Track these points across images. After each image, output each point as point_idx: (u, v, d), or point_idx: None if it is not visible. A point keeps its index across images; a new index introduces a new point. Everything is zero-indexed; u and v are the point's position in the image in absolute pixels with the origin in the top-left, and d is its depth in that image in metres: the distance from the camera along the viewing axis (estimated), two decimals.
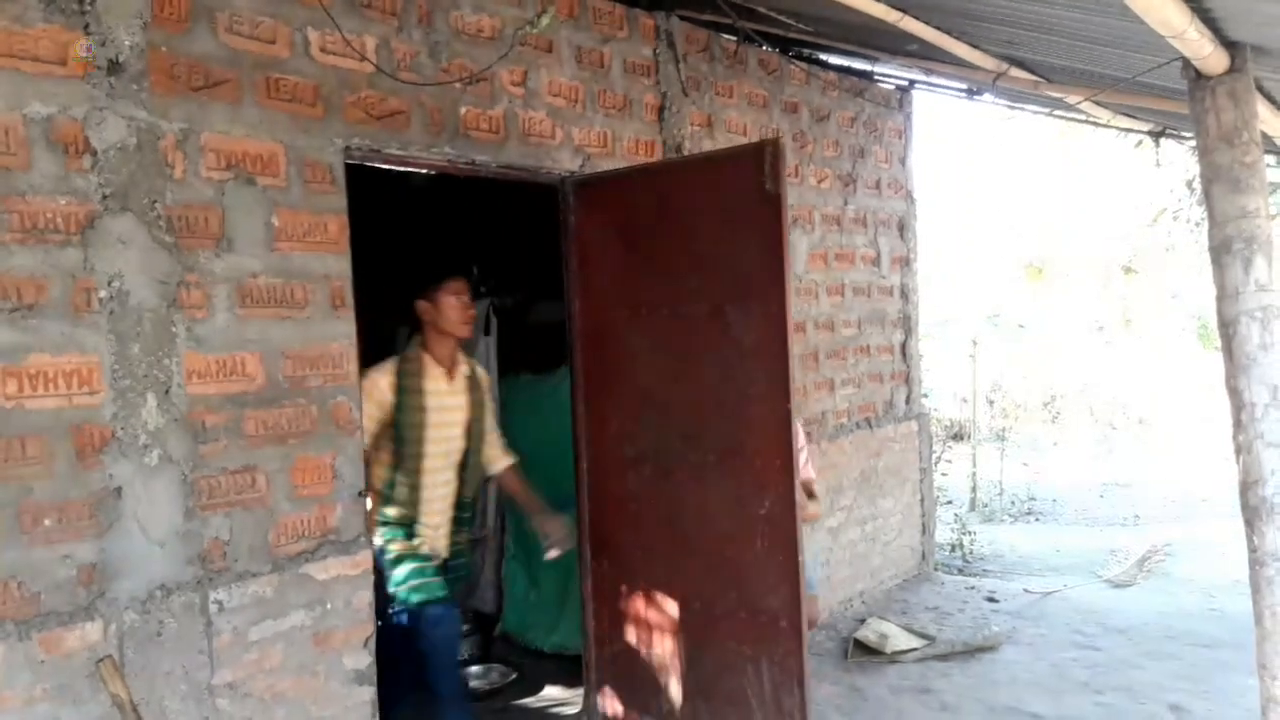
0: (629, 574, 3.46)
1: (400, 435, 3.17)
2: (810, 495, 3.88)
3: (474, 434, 3.34)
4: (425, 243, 4.92)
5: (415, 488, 3.19)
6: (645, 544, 3.40)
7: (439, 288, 3.21)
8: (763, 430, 3.05)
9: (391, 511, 3.20)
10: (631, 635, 3.46)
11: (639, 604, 3.43)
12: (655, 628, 3.39)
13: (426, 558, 3.21)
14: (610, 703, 3.55)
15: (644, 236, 3.33)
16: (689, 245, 3.18)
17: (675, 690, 3.32)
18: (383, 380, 3.16)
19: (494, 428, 3.49)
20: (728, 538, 3.14)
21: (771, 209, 2.94)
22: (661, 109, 3.99)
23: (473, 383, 3.37)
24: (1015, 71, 4.01)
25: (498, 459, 3.48)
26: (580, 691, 3.71)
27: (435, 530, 3.26)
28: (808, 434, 4.76)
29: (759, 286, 3.00)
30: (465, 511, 3.39)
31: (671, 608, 3.33)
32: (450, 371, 3.28)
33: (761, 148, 2.99)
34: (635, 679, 3.46)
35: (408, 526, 3.20)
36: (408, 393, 3.17)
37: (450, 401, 3.26)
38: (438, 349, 3.26)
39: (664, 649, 3.36)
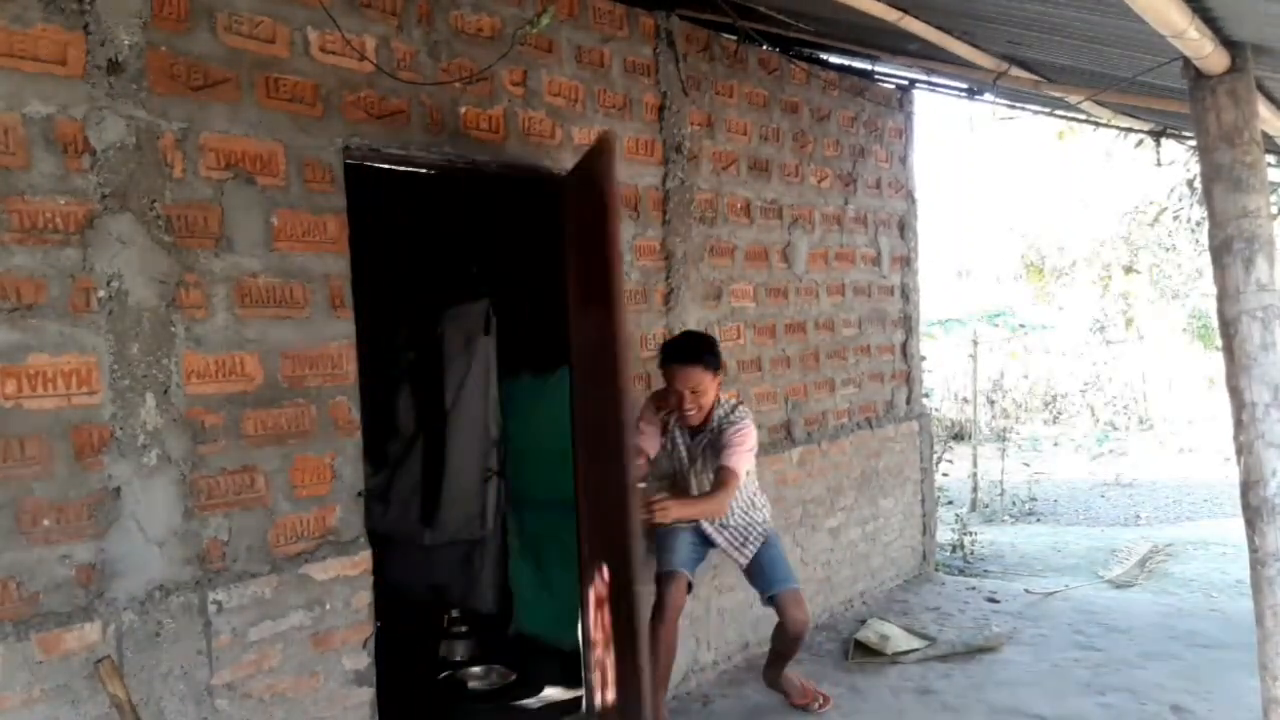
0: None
1: None
2: (720, 485, 3.51)
3: None
4: (426, 243, 4.93)
5: None
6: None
7: None
8: (613, 427, 3.04)
9: None
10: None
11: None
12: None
13: None
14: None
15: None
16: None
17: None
18: None
19: None
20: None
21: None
22: (661, 108, 3.99)
23: None
24: (1016, 71, 4.00)
25: None
26: (580, 692, 3.70)
27: None
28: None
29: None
30: None
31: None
32: None
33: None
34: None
35: None
36: None
37: None
38: None
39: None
